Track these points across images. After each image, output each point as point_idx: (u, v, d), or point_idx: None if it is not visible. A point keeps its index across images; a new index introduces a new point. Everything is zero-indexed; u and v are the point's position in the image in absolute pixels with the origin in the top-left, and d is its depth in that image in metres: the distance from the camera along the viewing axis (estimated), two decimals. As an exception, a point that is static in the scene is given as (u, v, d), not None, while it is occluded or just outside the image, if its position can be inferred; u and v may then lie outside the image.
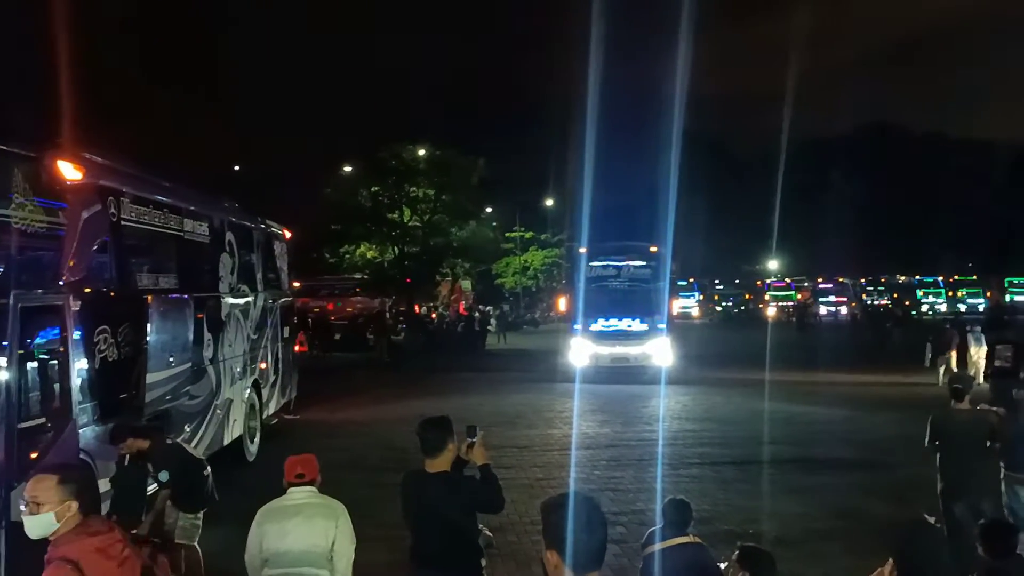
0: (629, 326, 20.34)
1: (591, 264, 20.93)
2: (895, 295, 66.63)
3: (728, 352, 28.28)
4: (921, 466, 10.21)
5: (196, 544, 6.32)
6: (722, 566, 4.82)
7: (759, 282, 77.17)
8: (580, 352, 20.11)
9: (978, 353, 19.33)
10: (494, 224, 44.15)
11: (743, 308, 65.63)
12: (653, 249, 21.27)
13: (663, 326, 20.14)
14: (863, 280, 74.83)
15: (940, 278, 69.35)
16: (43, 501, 3.10)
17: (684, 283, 62.40)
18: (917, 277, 72.06)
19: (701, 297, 68.03)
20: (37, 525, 3.12)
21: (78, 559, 3.05)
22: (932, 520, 4.35)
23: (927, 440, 6.89)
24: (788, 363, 22.80)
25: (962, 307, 58.53)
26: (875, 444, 12.51)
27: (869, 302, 64.26)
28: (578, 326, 20.39)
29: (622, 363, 19.89)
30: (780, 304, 60.30)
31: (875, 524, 7.75)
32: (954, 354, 19.71)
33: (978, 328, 20.82)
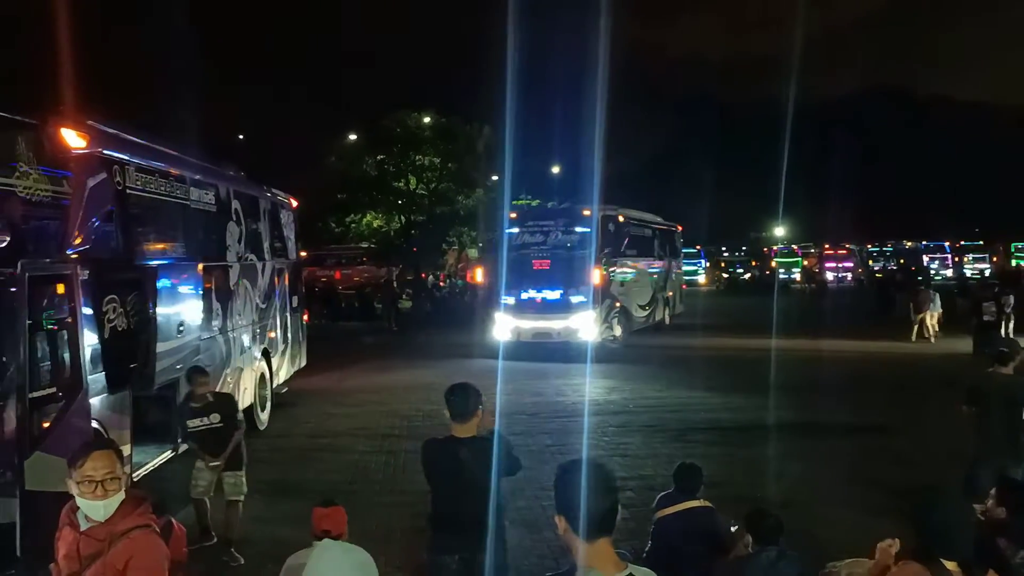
0: (552, 298, 18.66)
1: (512, 230, 19.24)
2: (901, 260, 66.47)
3: (737, 319, 28.27)
4: (923, 430, 10.32)
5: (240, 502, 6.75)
6: (732, 529, 4.87)
7: (766, 249, 76.97)
8: (502, 327, 18.69)
9: (933, 316, 21.81)
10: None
11: (751, 275, 65.43)
12: (586, 212, 19.16)
13: (590, 298, 18.38)
14: (869, 246, 74.60)
15: (946, 243, 69.07)
16: (114, 478, 3.00)
17: (691, 250, 62.30)
18: (924, 242, 71.80)
19: (707, 264, 67.93)
20: (108, 506, 2.99)
21: (148, 523, 3.08)
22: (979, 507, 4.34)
23: (964, 404, 6.75)
24: (795, 329, 22.77)
25: (968, 272, 58.33)
26: (877, 408, 12.52)
27: (876, 268, 64.14)
28: (501, 298, 18.79)
29: (544, 338, 18.42)
30: (786, 273, 59.84)
31: (881, 487, 7.78)
32: (928, 314, 21.76)
33: (931, 291, 23.30)
